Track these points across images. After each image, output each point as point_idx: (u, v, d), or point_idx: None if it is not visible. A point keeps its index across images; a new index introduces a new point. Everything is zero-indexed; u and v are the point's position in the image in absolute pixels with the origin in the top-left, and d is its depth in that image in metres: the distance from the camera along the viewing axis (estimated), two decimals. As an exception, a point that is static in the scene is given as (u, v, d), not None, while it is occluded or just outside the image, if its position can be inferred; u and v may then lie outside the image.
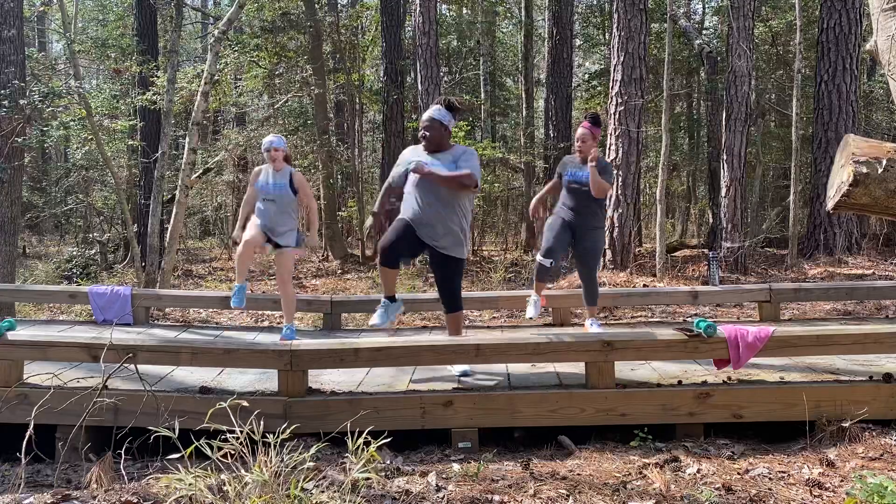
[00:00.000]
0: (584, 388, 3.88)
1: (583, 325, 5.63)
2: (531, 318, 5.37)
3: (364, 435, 2.71)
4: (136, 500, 2.87)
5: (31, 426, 2.99)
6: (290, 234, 5.31)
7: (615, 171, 9.99)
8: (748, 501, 2.88)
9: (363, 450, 2.65)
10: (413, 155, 4.39)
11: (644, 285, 8.76)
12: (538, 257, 5.30)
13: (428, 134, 4.29)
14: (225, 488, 2.56)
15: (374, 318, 4.32)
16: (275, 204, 5.24)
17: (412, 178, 4.29)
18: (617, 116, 10.01)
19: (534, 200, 5.62)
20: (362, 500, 2.69)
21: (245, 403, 2.97)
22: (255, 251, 5.50)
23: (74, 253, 12.22)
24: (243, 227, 5.45)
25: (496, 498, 2.90)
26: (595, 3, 17.51)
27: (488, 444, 3.78)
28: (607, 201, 5.85)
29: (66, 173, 14.28)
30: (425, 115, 4.37)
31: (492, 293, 7.34)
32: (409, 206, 4.31)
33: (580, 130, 5.20)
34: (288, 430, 2.72)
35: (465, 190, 4.23)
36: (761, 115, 14.34)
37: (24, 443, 2.88)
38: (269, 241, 5.31)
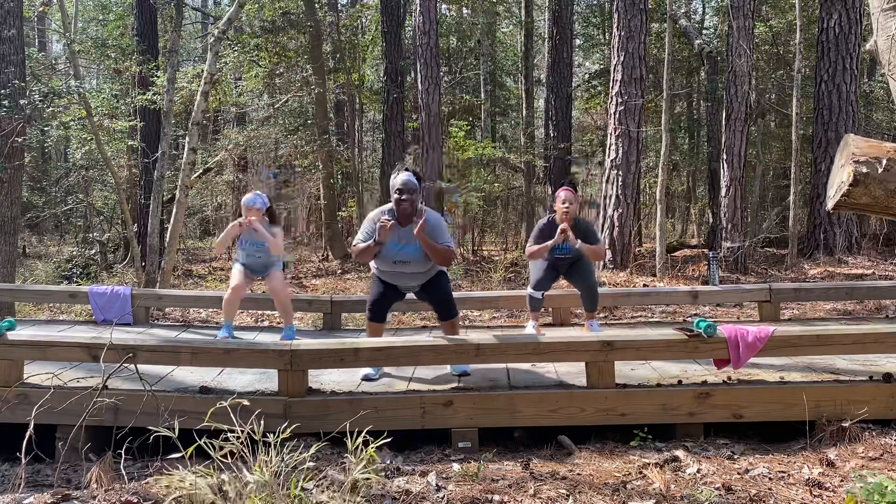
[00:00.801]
0: (584, 388, 3.89)
1: (583, 325, 5.64)
2: None
3: (364, 435, 2.71)
4: (136, 500, 2.87)
5: (31, 426, 2.99)
6: (276, 265, 5.47)
7: (615, 172, 10.00)
8: (748, 501, 2.88)
9: (363, 450, 2.65)
10: (382, 225, 4.23)
11: (644, 285, 8.77)
12: (530, 290, 5.43)
13: (408, 206, 4.19)
14: (225, 488, 2.56)
15: (368, 370, 4.28)
16: (260, 259, 5.39)
17: (393, 251, 4.28)
18: (617, 116, 10.01)
19: (537, 248, 5.33)
20: (362, 499, 2.69)
21: (246, 403, 2.97)
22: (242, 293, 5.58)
23: (74, 253, 12.23)
24: (227, 242, 5.51)
25: (496, 498, 2.90)
26: (595, 3, 17.51)
27: (488, 444, 3.78)
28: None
29: (66, 173, 14.27)
30: (405, 182, 4.20)
31: (492, 293, 7.34)
32: (394, 278, 4.41)
33: (564, 193, 5.19)
34: (288, 430, 2.72)
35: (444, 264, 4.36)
36: (761, 115, 14.33)
37: (24, 443, 2.88)
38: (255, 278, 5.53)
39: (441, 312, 4.48)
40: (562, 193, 5.21)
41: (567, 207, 5.15)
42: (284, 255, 5.64)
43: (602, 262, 9.87)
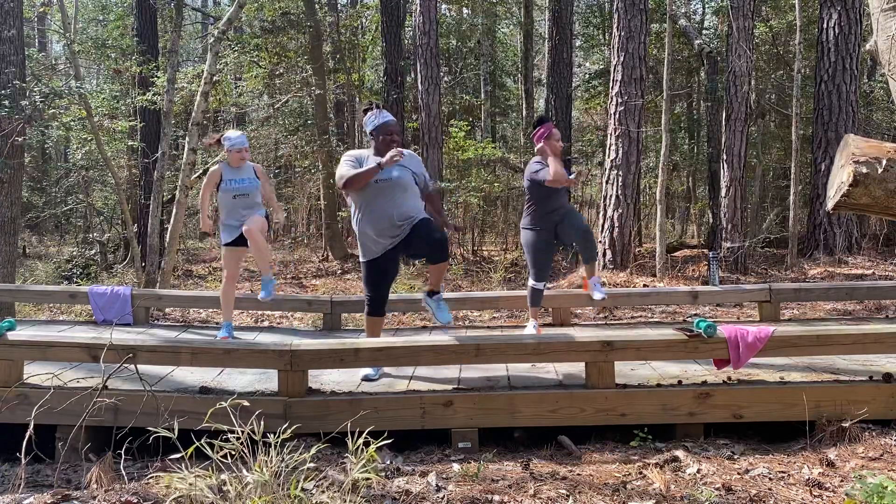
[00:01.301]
0: (584, 388, 3.88)
1: (585, 325, 5.64)
2: None
3: (364, 435, 2.71)
4: (136, 501, 2.87)
5: (31, 426, 2.99)
6: (257, 207, 5.35)
7: (615, 172, 10.01)
8: (748, 501, 2.88)
9: (363, 450, 2.65)
10: (366, 160, 4.28)
11: (644, 285, 8.77)
12: (532, 282, 5.28)
13: (399, 142, 4.34)
14: (225, 488, 2.56)
15: (368, 370, 4.26)
16: (249, 197, 5.29)
17: (377, 186, 4.19)
18: (617, 116, 10.01)
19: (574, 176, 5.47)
20: (362, 500, 2.69)
21: (246, 403, 2.97)
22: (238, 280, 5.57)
23: (74, 253, 12.23)
24: (210, 219, 5.49)
25: (496, 498, 2.90)
26: (595, 3, 17.51)
27: (488, 444, 3.78)
28: None
29: (66, 173, 14.28)
30: (391, 119, 4.38)
31: (492, 293, 7.34)
32: (386, 205, 4.20)
33: (556, 130, 5.32)
34: (288, 431, 2.72)
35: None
36: (761, 115, 14.33)
37: (24, 443, 2.88)
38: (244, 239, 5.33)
39: (439, 254, 4.22)
40: (555, 130, 5.27)
41: (558, 143, 5.22)
42: (272, 204, 5.58)
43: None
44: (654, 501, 2.87)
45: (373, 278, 4.38)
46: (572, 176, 5.27)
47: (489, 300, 6.42)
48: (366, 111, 4.41)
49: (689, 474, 3.19)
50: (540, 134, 5.25)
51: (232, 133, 5.38)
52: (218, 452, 2.56)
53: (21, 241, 13.00)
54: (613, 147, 10.05)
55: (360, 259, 4.44)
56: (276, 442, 2.62)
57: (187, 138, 7.74)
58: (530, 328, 5.38)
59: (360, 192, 4.22)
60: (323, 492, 2.68)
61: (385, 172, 4.17)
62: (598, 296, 5.45)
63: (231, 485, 2.52)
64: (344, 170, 4.21)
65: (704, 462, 3.34)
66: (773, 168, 15.06)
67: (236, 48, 12.40)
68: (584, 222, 5.29)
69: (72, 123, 10.68)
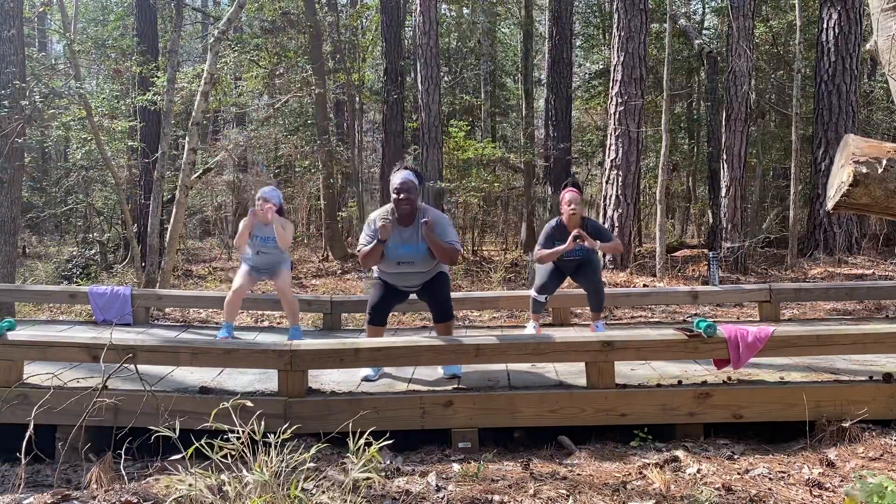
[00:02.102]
0: (584, 388, 3.88)
1: (585, 325, 5.64)
2: None
3: (366, 436, 2.71)
4: (136, 501, 2.87)
5: (31, 426, 2.99)
6: (284, 263, 5.48)
7: (615, 172, 10.00)
8: (748, 501, 2.88)
9: (364, 450, 2.65)
10: (382, 224, 4.21)
11: (644, 285, 8.77)
12: (533, 294, 5.44)
13: (409, 206, 4.18)
14: (225, 488, 2.55)
15: (367, 371, 4.29)
16: (270, 255, 5.37)
17: (396, 251, 4.25)
18: (617, 116, 10.01)
19: (549, 253, 5.28)
20: (362, 500, 2.69)
21: (249, 403, 2.97)
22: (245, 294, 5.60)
23: (74, 253, 12.22)
24: (246, 235, 5.45)
25: (496, 498, 2.90)
26: (595, 3, 17.51)
27: (488, 444, 3.78)
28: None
29: (66, 173, 14.27)
30: (401, 178, 4.20)
31: (492, 293, 7.34)
32: (399, 279, 4.37)
33: (570, 195, 5.16)
34: (288, 431, 2.72)
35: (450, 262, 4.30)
36: (761, 115, 14.34)
37: (24, 443, 2.88)
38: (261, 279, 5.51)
39: (438, 314, 4.44)
40: (567, 195, 5.17)
41: (573, 209, 5.12)
42: (288, 248, 5.60)
43: (602, 262, 9.88)
44: (654, 501, 2.87)
45: (376, 294, 4.45)
46: (562, 248, 5.10)
47: (489, 300, 6.42)
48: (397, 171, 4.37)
49: (689, 474, 3.19)
50: (562, 198, 5.27)
51: (264, 188, 5.43)
52: (218, 453, 2.56)
53: (21, 241, 13.01)
54: (613, 147, 10.05)
55: (374, 272, 4.51)
56: (276, 442, 2.62)
57: (187, 138, 7.73)
58: (530, 328, 5.47)
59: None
60: (323, 492, 2.68)
61: (400, 253, 4.24)
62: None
63: (231, 485, 2.52)
64: (361, 243, 4.36)
65: (704, 462, 3.34)
66: (773, 168, 15.06)
67: (236, 48, 12.40)
68: (599, 279, 5.34)
69: (72, 123, 10.68)
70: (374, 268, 4.49)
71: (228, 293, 5.44)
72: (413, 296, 4.61)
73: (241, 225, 5.38)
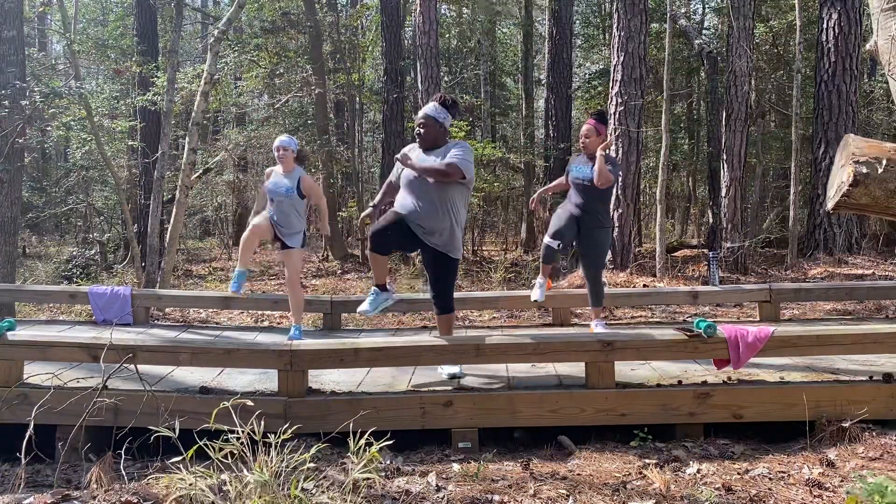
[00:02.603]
0: (584, 388, 3.88)
1: (585, 325, 5.63)
2: (536, 301, 5.35)
3: (366, 436, 2.71)
4: (136, 501, 2.87)
5: (31, 426, 2.99)
6: (296, 235, 5.32)
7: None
8: (748, 501, 2.88)
9: (364, 450, 2.65)
10: (408, 151, 4.32)
11: (644, 285, 8.76)
12: (546, 239, 5.25)
13: (423, 131, 4.22)
14: (225, 488, 2.56)
15: (364, 305, 4.30)
16: (283, 205, 5.26)
17: (405, 174, 4.25)
18: (617, 116, 10.01)
19: (536, 194, 5.65)
20: (362, 500, 2.69)
21: (249, 403, 2.97)
22: (261, 240, 5.53)
23: (74, 253, 12.22)
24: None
25: (496, 498, 2.90)
26: (595, 3, 17.51)
27: (488, 444, 3.78)
28: (611, 201, 5.87)
29: (66, 173, 14.28)
30: (421, 112, 4.30)
31: (492, 293, 7.34)
32: (401, 201, 4.24)
33: (585, 126, 5.17)
34: (288, 431, 2.72)
35: (450, 181, 4.08)
36: (761, 115, 14.34)
37: (24, 443, 2.88)
38: (278, 239, 5.34)
39: (434, 299, 4.27)
40: (584, 126, 5.18)
41: (585, 141, 5.11)
42: (321, 203, 5.49)
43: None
44: (654, 501, 2.87)
45: (381, 220, 4.23)
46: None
47: (489, 300, 6.42)
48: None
49: (689, 474, 3.19)
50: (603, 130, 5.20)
51: (280, 137, 5.40)
52: (218, 452, 2.56)
53: (21, 241, 13.01)
54: (613, 147, 10.04)
55: (454, 255, 4.26)
56: (277, 442, 2.62)
57: (187, 138, 7.73)
58: (537, 286, 5.33)
59: (463, 193, 4.26)
60: (323, 492, 2.68)
61: (409, 175, 4.27)
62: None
63: (231, 485, 2.52)
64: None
65: (704, 462, 3.34)
66: (773, 168, 15.06)
67: (236, 48, 12.40)
68: (597, 265, 5.29)
69: (72, 123, 10.67)
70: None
71: (245, 231, 5.37)
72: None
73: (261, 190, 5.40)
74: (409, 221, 4.16)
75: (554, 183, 5.64)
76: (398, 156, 4.27)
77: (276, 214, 5.28)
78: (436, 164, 4.08)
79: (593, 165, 4.98)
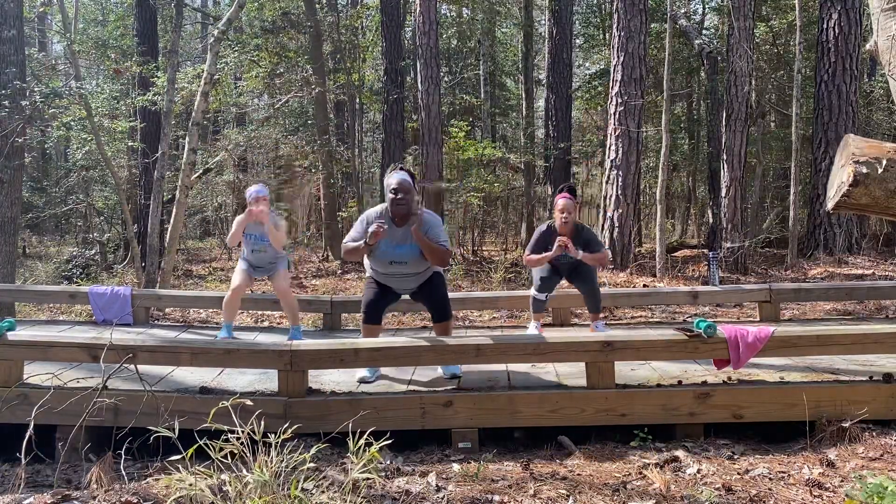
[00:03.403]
0: (584, 388, 3.88)
1: (585, 325, 5.63)
2: None
3: (366, 436, 2.71)
4: (136, 501, 2.87)
5: (31, 426, 2.99)
6: (280, 261, 5.45)
7: (615, 172, 10.00)
8: (748, 501, 2.88)
9: (364, 450, 2.65)
10: (375, 224, 4.18)
11: (644, 285, 8.76)
12: (534, 293, 5.42)
13: (406, 202, 4.16)
14: (225, 488, 2.56)
15: (364, 372, 4.26)
16: (265, 254, 5.35)
17: (391, 250, 4.22)
18: (617, 116, 10.01)
19: (537, 258, 5.26)
20: (362, 500, 2.69)
21: (249, 403, 2.97)
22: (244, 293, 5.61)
23: (74, 253, 12.23)
24: (239, 235, 5.43)
25: (496, 498, 2.90)
26: (595, 3, 17.51)
27: (488, 444, 3.78)
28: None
29: (67, 173, 14.28)
30: (399, 178, 4.19)
31: (492, 293, 7.34)
32: (387, 274, 4.32)
33: (563, 202, 5.10)
34: (288, 431, 2.72)
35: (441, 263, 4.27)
36: (761, 115, 14.34)
37: (24, 443, 2.88)
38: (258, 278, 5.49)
39: (436, 314, 4.42)
40: (560, 201, 5.11)
41: (566, 217, 5.07)
42: (284, 248, 5.57)
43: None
44: (654, 501, 2.87)
45: (370, 292, 4.39)
46: (549, 254, 5.11)
47: (489, 300, 6.42)
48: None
49: (689, 474, 3.19)
50: (556, 202, 5.24)
51: (253, 186, 5.43)
52: (218, 452, 2.56)
53: (21, 241, 13.01)
54: (613, 147, 10.05)
55: (366, 272, 4.46)
56: (277, 442, 2.62)
57: (187, 138, 7.73)
58: (532, 329, 5.46)
59: (370, 256, 4.30)
60: (323, 492, 2.68)
61: (390, 251, 4.21)
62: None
63: (231, 485, 2.52)
64: (349, 237, 4.32)
65: (704, 462, 3.34)
66: (773, 168, 15.06)
67: (236, 48, 12.40)
68: (594, 281, 5.30)
69: (72, 123, 10.67)
70: (368, 265, 4.44)
71: (227, 293, 5.43)
72: (407, 296, 4.58)
73: (234, 223, 5.38)
74: (397, 289, 4.40)
75: (538, 257, 5.25)
76: (379, 230, 4.08)
77: (259, 262, 5.38)
78: (436, 246, 4.16)
79: (560, 246, 5.02)
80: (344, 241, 4.36)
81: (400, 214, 4.19)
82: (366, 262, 4.42)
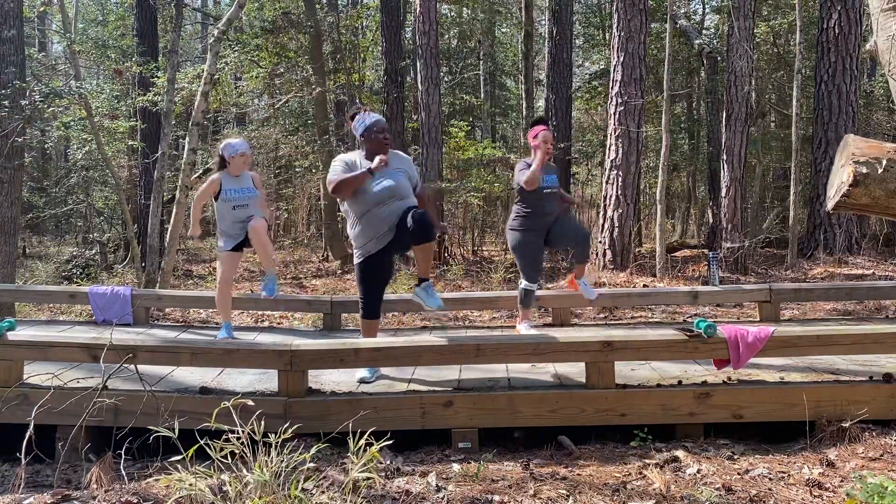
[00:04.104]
0: (584, 388, 3.88)
1: (585, 325, 5.62)
2: None
3: (366, 436, 2.71)
4: (136, 501, 2.87)
5: (31, 426, 2.99)
6: (257, 212, 5.33)
7: (615, 172, 10.01)
8: (748, 501, 2.88)
9: (364, 450, 2.65)
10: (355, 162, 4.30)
11: (644, 285, 8.76)
12: (525, 284, 5.24)
13: (390, 139, 4.38)
14: (226, 488, 2.56)
15: (364, 372, 4.23)
16: (247, 208, 5.27)
17: (376, 184, 4.19)
18: (617, 116, 10.01)
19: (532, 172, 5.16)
20: (362, 500, 2.69)
21: (250, 403, 2.97)
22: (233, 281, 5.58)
23: (74, 253, 12.23)
24: (198, 224, 5.45)
25: (496, 498, 2.91)
26: (595, 3, 17.51)
27: (488, 444, 3.78)
28: None
29: (67, 173, 14.28)
30: (378, 118, 4.36)
31: (492, 293, 7.34)
32: (380, 211, 4.20)
33: (545, 133, 5.16)
34: (289, 431, 2.72)
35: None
36: (761, 115, 14.34)
37: (24, 443, 2.88)
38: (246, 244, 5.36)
39: (420, 233, 4.10)
40: (542, 133, 5.16)
41: (550, 148, 5.18)
42: (263, 208, 5.48)
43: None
44: (654, 501, 2.87)
45: (367, 276, 4.33)
46: (537, 163, 5.12)
47: (489, 300, 6.42)
48: (353, 116, 4.40)
49: (689, 474, 3.19)
50: (531, 134, 5.24)
51: (233, 140, 5.36)
52: (218, 452, 2.56)
53: (21, 241, 13.01)
54: (613, 147, 10.04)
55: (355, 260, 4.37)
56: (277, 442, 2.62)
57: (187, 138, 7.73)
58: (525, 329, 5.27)
59: (357, 202, 4.21)
60: (323, 492, 2.68)
61: (381, 181, 4.17)
62: (592, 295, 5.57)
63: (231, 485, 2.52)
64: (334, 174, 4.23)
65: (704, 462, 3.34)
66: (773, 168, 15.06)
67: (236, 48, 12.40)
68: (584, 228, 5.31)
69: (72, 123, 10.68)
70: (360, 238, 4.27)
71: (218, 288, 5.34)
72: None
73: (204, 185, 5.29)
74: (392, 229, 4.21)
75: (536, 166, 5.16)
76: (385, 158, 4.18)
77: (241, 216, 5.24)
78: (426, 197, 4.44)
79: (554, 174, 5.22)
80: (329, 179, 4.21)
81: (386, 153, 4.27)
82: (356, 248, 4.31)
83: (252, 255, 5.73)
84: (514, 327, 6.18)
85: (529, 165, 5.12)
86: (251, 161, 5.35)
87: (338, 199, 4.42)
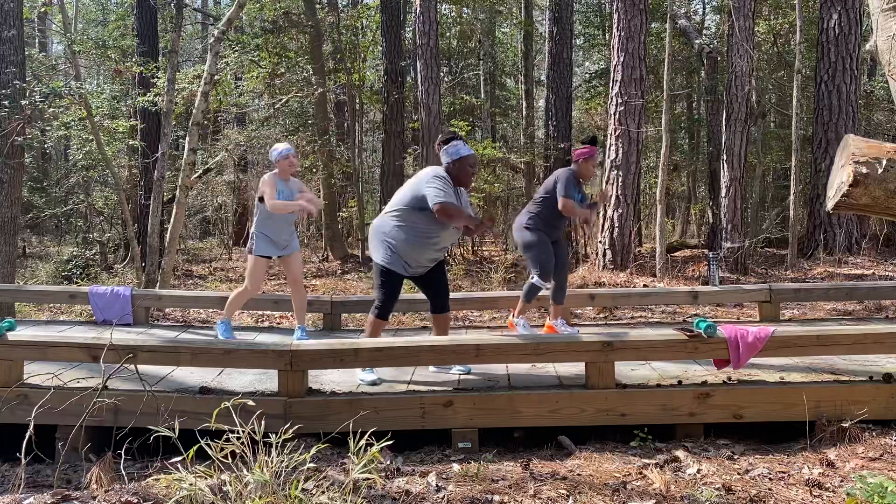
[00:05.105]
0: (584, 388, 3.88)
1: (585, 325, 5.61)
2: None
3: (366, 436, 2.71)
4: (136, 501, 2.87)
5: (31, 426, 2.99)
6: (294, 237, 5.32)
7: (615, 172, 10.01)
8: (748, 501, 2.88)
9: (364, 450, 2.65)
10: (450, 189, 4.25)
11: (644, 285, 8.76)
12: (537, 280, 5.09)
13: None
14: (226, 488, 2.56)
15: (367, 375, 4.24)
16: (293, 214, 5.21)
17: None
18: (617, 116, 10.00)
19: (578, 209, 5.18)
20: (363, 500, 2.69)
21: (251, 403, 2.97)
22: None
23: (74, 253, 12.22)
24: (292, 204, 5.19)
25: (496, 498, 2.91)
26: (595, 3, 17.51)
27: (488, 444, 3.78)
28: None
29: (67, 173, 14.28)
30: (472, 153, 4.35)
31: (492, 293, 7.34)
32: (445, 237, 4.33)
33: (597, 156, 5.35)
34: (289, 431, 2.72)
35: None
36: (761, 115, 14.33)
37: (24, 443, 2.88)
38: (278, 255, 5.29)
39: (440, 301, 4.39)
40: (596, 155, 5.28)
41: (595, 167, 5.31)
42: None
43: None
44: (654, 501, 2.87)
45: (391, 289, 4.31)
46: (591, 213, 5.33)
47: (489, 300, 6.42)
48: (448, 140, 4.32)
49: (689, 474, 3.19)
50: (582, 153, 5.23)
51: (279, 145, 5.27)
52: (218, 453, 2.56)
53: (21, 241, 13.01)
54: (613, 147, 10.04)
55: (385, 265, 4.24)
56: (277, 442, 2.62)
57: (187, 138, 7.73)
58: (520, 324, 5.23)
59: (435, 224, 4.19)
60: (323, 492, 2.68)
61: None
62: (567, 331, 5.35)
63: (231, 485, 2.52)
64: (443, 196, 4.07)
65: (704, 462, 3.34)
66: (773, 168, 15.06)
67: (236, 48, 12.39)
68: (566, 268, 5.37)
69: (72, 123, 10.67)
70: (396, 253, 4.23)
71: (239, 288, 5.29)
72: (406, 295, 4.59)
73: (267, 188, 5.03)
74: (430, 263, 4.38)
75: (583, 210, 5.25)
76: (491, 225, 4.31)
77: (284, 225, 5.16)
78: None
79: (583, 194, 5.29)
80: (440, 197, 4.05)
81: (468, 186, 4.41)
82: (392, 255, 4.24)
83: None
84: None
85: (576, 175, 5.17)
86: (298, 164, 5.25)
87: (405, 201, 4.25)
